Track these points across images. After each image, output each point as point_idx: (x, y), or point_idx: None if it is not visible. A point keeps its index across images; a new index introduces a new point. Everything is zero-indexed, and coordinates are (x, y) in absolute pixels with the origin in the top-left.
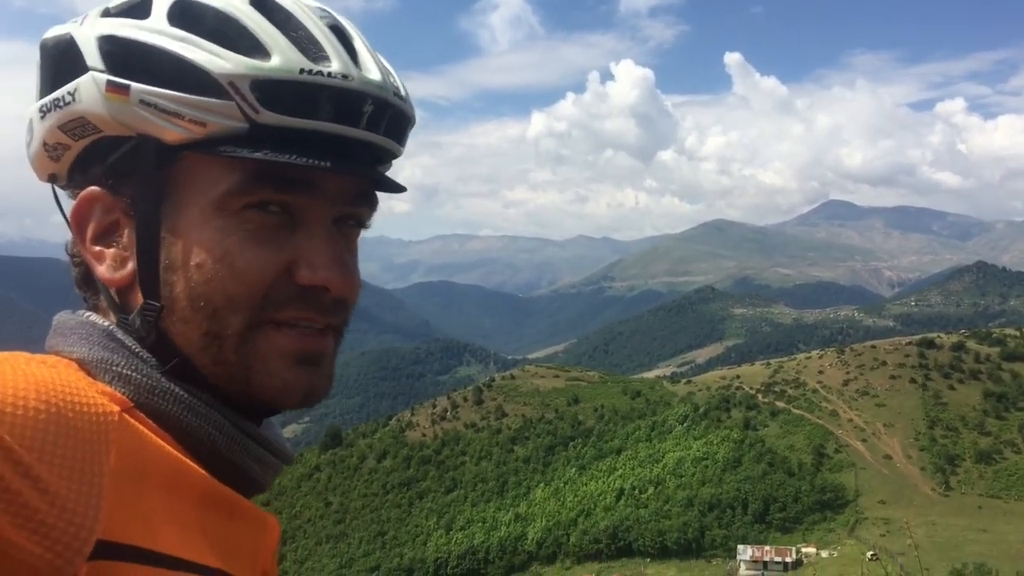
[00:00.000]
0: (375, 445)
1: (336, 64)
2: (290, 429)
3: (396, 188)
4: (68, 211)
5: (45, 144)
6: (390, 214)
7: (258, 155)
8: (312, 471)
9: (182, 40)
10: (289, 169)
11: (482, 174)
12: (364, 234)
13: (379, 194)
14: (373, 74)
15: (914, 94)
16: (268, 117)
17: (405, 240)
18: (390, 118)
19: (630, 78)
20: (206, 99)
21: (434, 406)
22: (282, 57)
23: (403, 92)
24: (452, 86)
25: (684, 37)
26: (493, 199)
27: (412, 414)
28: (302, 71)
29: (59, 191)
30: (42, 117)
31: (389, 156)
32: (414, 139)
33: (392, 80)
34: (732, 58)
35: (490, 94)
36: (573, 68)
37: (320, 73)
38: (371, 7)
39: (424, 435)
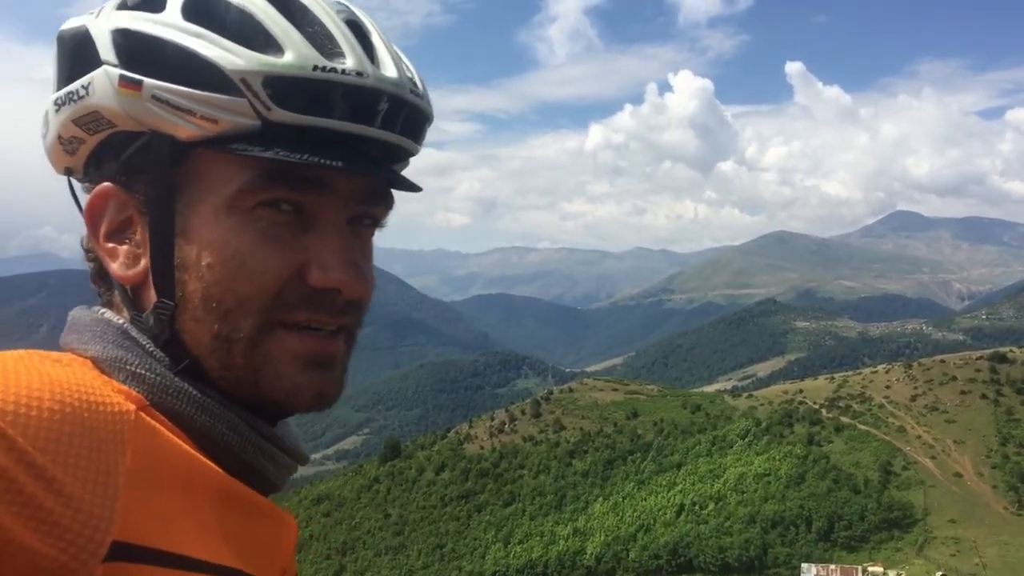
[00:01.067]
0: (433, 457)
1: (351, 61)
2: (349, 441)
3: (411, 187)
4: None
5: (60, 137)
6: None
7: (269, 154)
8: (371, 483)
9: (196, 35)
10: (302, 168)
11: (540, 186)
12: (423, 247)
13: (439, 210)
14: (389, 71)
15: (983, 102)
16: (281, 115)
17: (464, 253)
18: (406, 116)
19: (688, 89)
20: (218, 96)
21: (492, 419)
22: (295, 53)
23: (420, 89)
24: (510, 99)
25: (744, 47)
26: (551, 211)
27: (470, 427)
28: (315, 68)
29: (76, 185)
30: (57, 110)
31: (405, 154)
32: (472, 152)
33: (409, 76)
34: (793, 67)
35: (548, 106)
36: (631, 80)
37: (334, 70)
38: (430, 22)
39: (482, 448)
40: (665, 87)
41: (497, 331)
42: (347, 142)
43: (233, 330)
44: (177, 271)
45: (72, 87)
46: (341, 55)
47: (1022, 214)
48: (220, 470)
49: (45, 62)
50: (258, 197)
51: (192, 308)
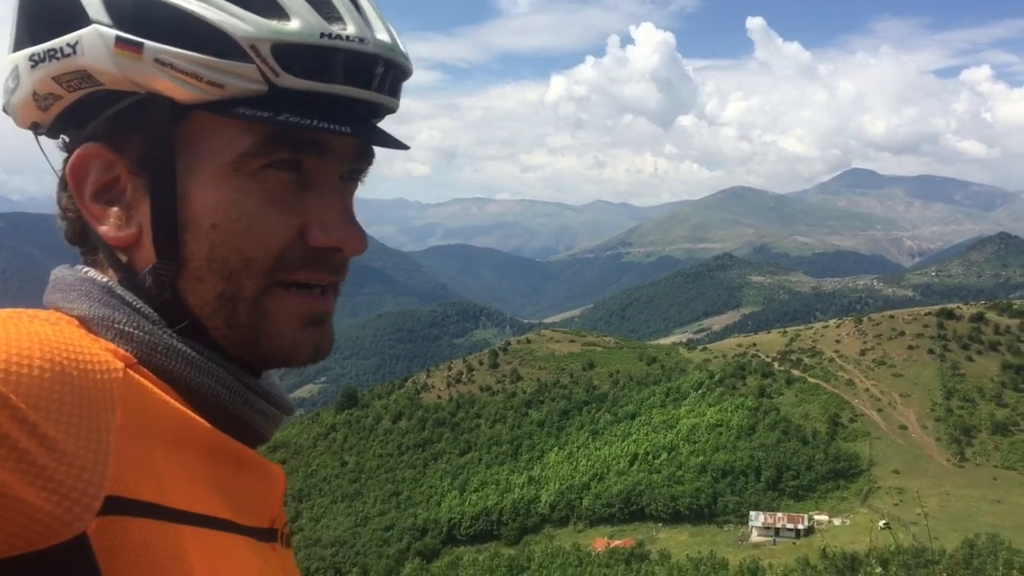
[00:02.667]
0: (391, 406)
1: (352, 27)
2: (306, 389)
3: (400, 146)
4: (55, 162)
5: (35, 94)
6: (408, 177)
7: (280, 119)
8: (328, 431)
9: (200, 0)
10: (307, 131)
11: (501, 137)
12: (381, 196)
13: (399, 159)
14: (383, 35)
15: (939, 61)
16: (287, 80)
17: (423, 203)
18: (393, 77)
19: (650, 42)
20: (226, 61)
21: (450, 369)
22: (302, 21)
23: (405, 49)
24: (471, 48)
25: (706, 0)
26: (511, 163)
27: (428, 376)
28: (322, 35)
29: (45, 141)
30: (33, 66)
31: (386, 111)
32: (433, 101)
33: (398, 40)
34: (754, 22)
35: (510, 56)
36: (593, 31)
37: (339, 37)
38: None
39: (439, 397)
40: (627, 39)
41: (456, 282)
42: (341, 104)
43: (238, 290)
44: (179, 232)
45: (55, 44)
46: (341, 20)
47: (974, 173)
48: (209, 424)
49: None
50: (264, 160)
51: (195, 268)
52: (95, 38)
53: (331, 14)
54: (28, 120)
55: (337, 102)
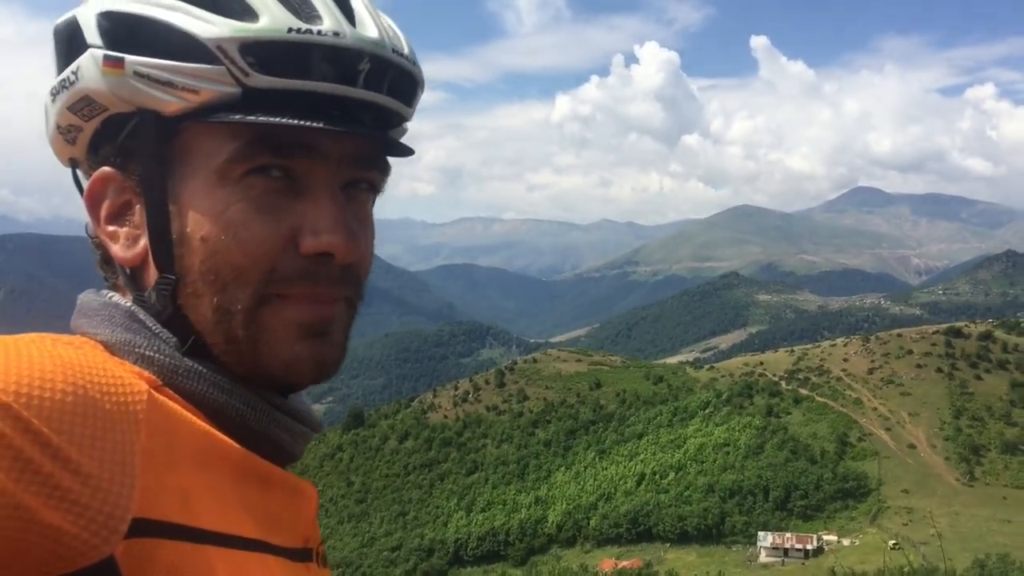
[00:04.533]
0: (397, 426)
1: (328, 22)
2: (313, 409)
3: (403, 151)
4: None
5: (59, 127)
6: (414, 196)
7: (250, 119)
8: (334, 451)
9: (171, 8)
10: (286, 132)
11: (506, 157)
12: (388, 216)
13: (405, 178)
14: (369, 31)
15: (944, 79)
16: (259, 80)
17: (429, 222)
18: (393, 78)
19: (655, 61)
20: (196, 65)
21: (456, 388)
22: (270, 17)
23: (406, 51)
24: (477, 68)
25: (710, 19)
26: (517, 182)
27: (434, 396)
28: (290, 30)
29: (80, 174)
30: (53, 100)
31: (398, 119)
32: (438, 120)
33: (392, 38)
34: (758, 41)
35: (515, 76)
36: (598, 51)
37: (310, 31)
38: None
39: (446, 417)
40: (632, 59)
41: (462, 301)
42: (334, 106)
43: (232, 302)
44: (176, 246)
45: (64, 75)
46: (318, 17)
47: (980, 191)
48: (236, 444)
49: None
50: (246, 165)
51: (192, 282)
52: (89, 61)
53: (308, 12)
54: (65, 156)
55: (325, 103)
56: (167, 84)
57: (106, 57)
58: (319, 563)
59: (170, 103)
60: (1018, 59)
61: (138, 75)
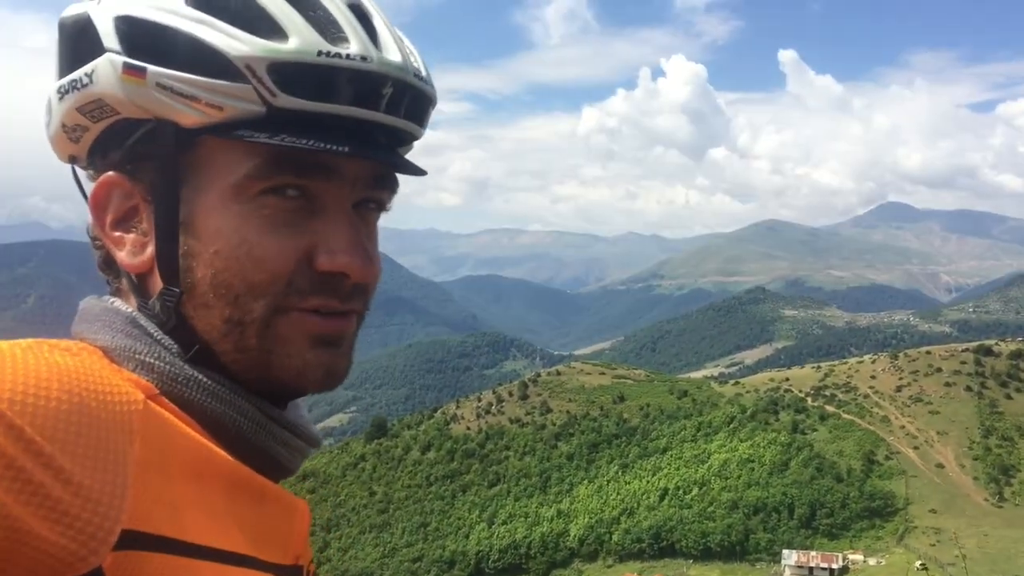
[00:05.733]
0: (420, 437)
1: (355, 46)
2: (336, 418)
3: (416, 171)
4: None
5: (64, 125)
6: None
7: (276, 140)
8: (357, 460)
9: (199, 21)
10: (308, 154)
11: (532, 169)
12: (414, 226)
13: (431, 189)
14: (393, 55)
15: (975, 95)
16: (286, 101)
17: (454, 233)
18: (410, 100)
19: (682, 74)
20: (223, 83)
21: (479, 400)
22: (300, 39)
23: (424, 73)
24: (503, 80)
25: (738, 33)
26: (542, 194)
27: (457, 407)
28: (320, 53)
29: (80, 172)
30: (60, 98)
31: (410, 138)
32: (464, 132)
33: (413, 61)
34: (787, 55)
35: (541, 88)
36: (625, 63)
37: (338, 55)
38: (422, 1)
39: (468, 428)
40: (659, 72)
41: (486, 312)
42: (352, 127)
43: (245, 313)
44: (184, 258)
45: (76, 75)
46: (345, 40)
47: (1012, 208)
48: (230, 457)
49: (34, 30)
50: (264, 183)
51: (201, 294)
52: (107, 66)
53: (335, 34)
54: (65, 153)
55: (345, 124)
56: (190, 98)
57: (127, 65)
58: None
59: (191, 116)
60: None
61: (160, 86)
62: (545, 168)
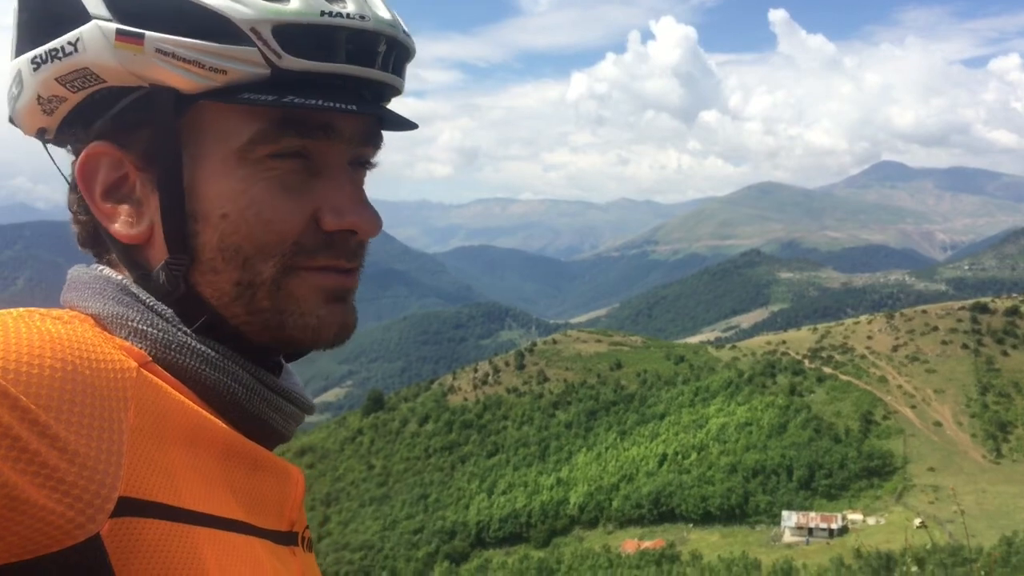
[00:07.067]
0: (417, 409)
1: (352, 5)
2: (332, 393)
3: (409, 125)
4: (63, 168)
5: (39, 97)
6: (430, 178)
7: (285, 101)
8: (355, 434)
9: None
10: (312, 114)
11: (522, 137)
12: (404, 198)
13: (421, 160)
14: (383, 12)
15: (967, 50)
16: (290, 62)
17: (446, 204)
18: (397, 55)
19: (671, 37)
20: (227, 46)
21: (476, 370)
22: (302, 0)
23: (407, 29)
24: (491, 47)
25: None
26: (533, 162)
27: (454, 378)
28: (322, 13)
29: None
30: (35, 68)
31: (392, 92)
32: (453, 101)
33: (398, 18)
34: (777, 15)
35: (530, 55)
36: (614, 27)
37: (339, 15)
38: None
39: (466, 399)
40: (648, 35)
41: (480, 283)
42: (346, 85)
43: (255, 275)
44: (189, 225)
45: (55, 44)
46: None
47: (1006, 164)
48: (224, 424)
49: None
50: (270, 147)
51: (209, 259)
52: (96, 34)
53: None
54: (34, 126)
55: (341, 83)
56: (192, 63)
57: (121, 32)
58: (305, 548)
59: (191, 81)
60: None
61: (160, 52)
62: (535, 136)
